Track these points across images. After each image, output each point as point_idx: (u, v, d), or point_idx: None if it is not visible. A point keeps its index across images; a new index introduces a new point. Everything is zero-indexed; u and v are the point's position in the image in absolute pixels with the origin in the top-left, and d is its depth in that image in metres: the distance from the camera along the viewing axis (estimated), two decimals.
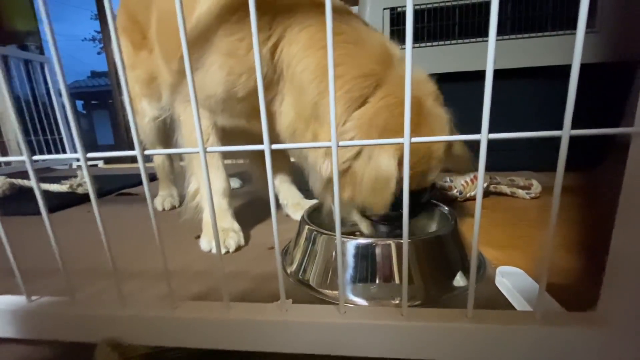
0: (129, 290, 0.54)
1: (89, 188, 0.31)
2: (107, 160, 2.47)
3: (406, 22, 0.25)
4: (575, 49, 0.23)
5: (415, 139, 0.26)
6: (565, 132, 0.24)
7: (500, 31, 1.19)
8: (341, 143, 0.27)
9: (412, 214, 0.58)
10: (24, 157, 0.31)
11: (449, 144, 0.55)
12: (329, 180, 0.55)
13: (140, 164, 0.30)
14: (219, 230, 0.70)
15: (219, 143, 0.72)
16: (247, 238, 0.73)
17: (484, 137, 0.25)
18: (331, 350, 0.32)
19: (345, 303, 0.48)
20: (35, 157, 0.32)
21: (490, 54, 0.24)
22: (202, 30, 0.58)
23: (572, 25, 1.16)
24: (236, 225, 0.73)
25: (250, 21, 0.55)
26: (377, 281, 0.50)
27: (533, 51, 1.19)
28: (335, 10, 0.57)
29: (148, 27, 0.83)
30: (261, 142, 0.28)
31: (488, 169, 1.03)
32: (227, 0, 0.56)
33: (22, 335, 0.38)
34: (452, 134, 0.54)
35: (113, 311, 0.35)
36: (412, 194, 0.53)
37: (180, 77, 0.69)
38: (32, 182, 0.32)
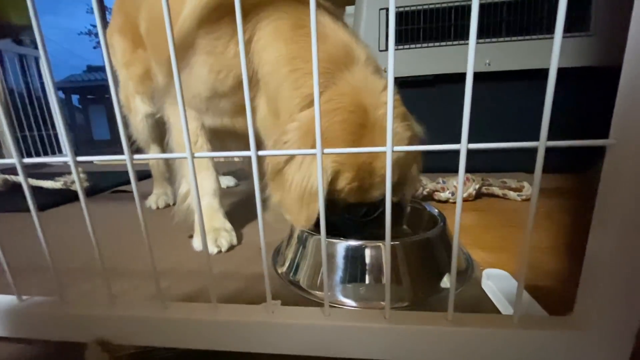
0: (120, 288, 0.54)
1: (78, 190, 0.32)
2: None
3: (389, 23, 0.25)
4: (553, 57, 0.24)
5: (397, 148, 0.27)
6: (542, 144, 0.25)
7: (495, 34, 1.20)
8: (326, 150, 0.28)
9: (352, 228, 0.57)
10: (14, 160, 0.32)
11: (402, 164, 0.52)
12: (271, 173, 0.54)
13: (129, 168, 0.31)
14: (211, 230, 0.70)
15: (208, 144, 0.73)
16: (240, 237, 0.74)
17: (463, 146, 0.26)
18: (316, 351, 0.33)
19: (334, 304, 0.49)
20: (26, 160, 0.32)
21: (470, 64, 0.24)
22: (187, 31, 0.58)
23: (567, 28, 1.17)
24: (228, 225, 0.73)
25: (226, 21, 0.55)
26: (367, 283, 0.50)
27: (529, 53, 1.20)
28: (305, 2, 0.53)
29: (141, 26, 0.83)
30: (248, 143, 0.29)
31: (480, 170, 1.03)
32: (207, 1, 0.56)
33: (13, 334, 0.38)
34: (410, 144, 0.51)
35: (102, 311, 0.35)
36: (353, 206, 0.53)
37: (169, 79, 0.69)
38: (23, 185, 0.32)
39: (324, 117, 0.48)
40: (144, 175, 1.23)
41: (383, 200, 0.54)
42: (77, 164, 0.31)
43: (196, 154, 0.30)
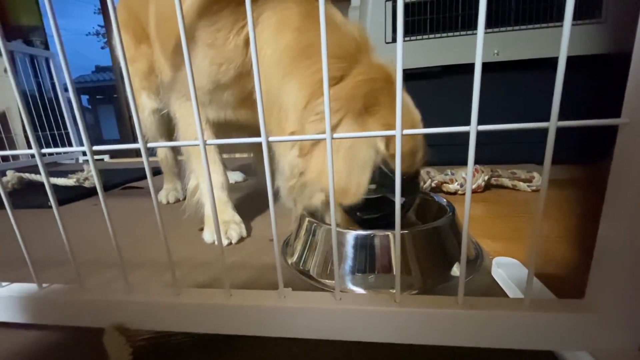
0: (134, 279, 0.55)
1: (95, 179, 0.33)
2: (113, 155, 2.50)
3: (397, 14, 0.25)
4: (562, 41, 0.23)
5: (407, 131, 0.27)
6: (552, 124, 0.25)
7: (504, 23, 1.18)
8: (335, 135, 0.28)
9: (406, 205, 0.58)
10: (34, 151, 0.33)
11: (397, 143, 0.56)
12: (294, 175, 0.54)
13: (143, 156, 0.31)
14: (221, 222, 0.71)
15: (213, 138, 0.73)
16: (249, 230, 0.75)
17: (473, 128, 0.26)
18: (327, 335, 0.33)
19: (344, 292, 0.49)
20: (44, 150, 0.33)
21: (479, 45, 0.24)
22: (189, 22, 0.58)
23: (578, 16, 1.14)
24: (237, 217, 0.74)
25: (226, 12, 0.55)
26: (376, 272, 0.51)
27: (538, 42, 1.18)
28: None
29: (147, 20, 0.84)
30: (252, 135, 0.29)
31: (490, 162, 1.02)
32: None
33: (33, 320, 0.40)
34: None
35: (120, 297, 0.37)
36: (404, 180, 0.54)
37: (175, 72, 0.69)
38: (41, 174, 0.33)
39: (365, 85, 0.49)
40: (153, 172, 1.25)
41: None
42: (93, 153, 0.32)
43: (208, 141, 0.30)
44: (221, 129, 0.74)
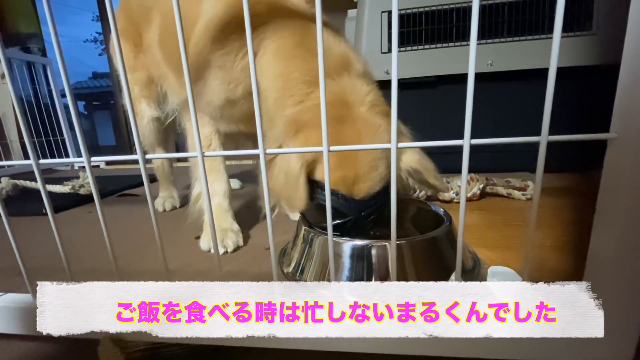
0: None
1: (93, 190, 0.33)
2: (108, 161, 2.49)
3: (392, 26, 0.26)
4: (552, 54, 0.24)
5: (402, 144, 0.28)
6: (543, 138, 0.25)
7: (497, 34, 1.21)
8: (332, 148, 0.29)
9: (345, 225, 0.57)
10: (31, 161, 0.33)
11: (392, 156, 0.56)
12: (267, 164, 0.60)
13: (142, 168, 0.32)
14: (219, 230, 0.71)
15: (220, 148, 0.77)
16: (246, 238, 0.75)
17: (466, 142, 0.26)
18: (321, 346, 0.34)
19: None
20: (42, 161, 0.33)
21: (471, 59, 0.25)
22: (201, 45, 0.63)
23: (569, 27, 1.17)
24: (235, 226, 0.74)
25: (233, 37, 0.60)
26: (373, 282, 0.51)
27: (531, 53, 1.20)
28: (308, 18, 0.60)
29: (147, 31, 0.84)
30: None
31: (484, 170, 1.03)
32: (216, 19, 0.62)
33: (28, 331, 0.39)
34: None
35: None
36: (352, 201, 0.54)
37: (185, 90, 0.73)
38: (39, 185, 0.33)
39: (310, 111, 0.53)
40: (149, 179, 1.24)
41: (377, 196, 0.54)
42: (91, 165, 0.32)
43: (206, 153, 0.31)
44: (232, 137, 0.79)
